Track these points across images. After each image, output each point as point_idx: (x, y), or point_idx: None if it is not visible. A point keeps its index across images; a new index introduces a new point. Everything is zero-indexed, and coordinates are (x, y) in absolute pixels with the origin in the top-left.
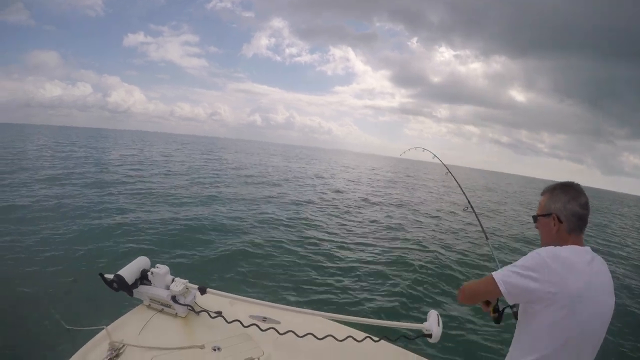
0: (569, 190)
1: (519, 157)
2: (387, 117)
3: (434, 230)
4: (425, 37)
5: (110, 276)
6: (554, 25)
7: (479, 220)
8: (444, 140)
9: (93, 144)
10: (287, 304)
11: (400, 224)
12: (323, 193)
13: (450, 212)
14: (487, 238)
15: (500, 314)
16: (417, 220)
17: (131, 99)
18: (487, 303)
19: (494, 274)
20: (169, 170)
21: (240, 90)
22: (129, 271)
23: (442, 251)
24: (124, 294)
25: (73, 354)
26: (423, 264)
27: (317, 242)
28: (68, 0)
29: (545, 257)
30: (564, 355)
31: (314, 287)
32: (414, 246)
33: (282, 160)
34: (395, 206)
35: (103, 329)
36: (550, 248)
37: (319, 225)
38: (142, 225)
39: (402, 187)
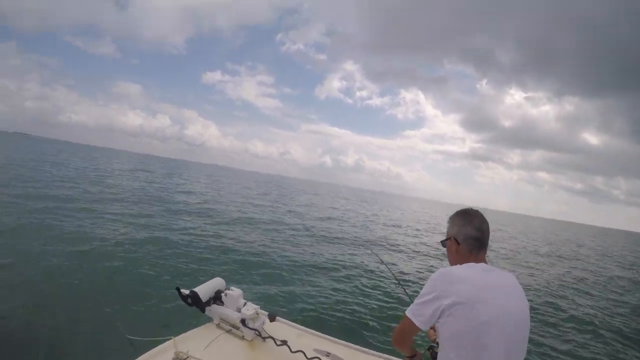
0: (464, 215)
1: (594, 205)
2: (458, 163)
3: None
4: (495, 79)
5: (186, 291)
6: (631, 62)
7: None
8: (516, 189)
9: (189, 173)
10: (353, 342)
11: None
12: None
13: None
14: (399, 284)
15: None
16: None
17: (207, 133)
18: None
19: (406, 311)
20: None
21: (312, 132)
22: (204, 289)
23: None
24: (195, 310)
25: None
26: None
27: (395, 290)
28: (153, 37)
29: (435, 277)
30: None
31: (381, 331)
32: None
33: (356, 204)
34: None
35: (171, 338)
36: (442, 269)
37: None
38: (224, 250)
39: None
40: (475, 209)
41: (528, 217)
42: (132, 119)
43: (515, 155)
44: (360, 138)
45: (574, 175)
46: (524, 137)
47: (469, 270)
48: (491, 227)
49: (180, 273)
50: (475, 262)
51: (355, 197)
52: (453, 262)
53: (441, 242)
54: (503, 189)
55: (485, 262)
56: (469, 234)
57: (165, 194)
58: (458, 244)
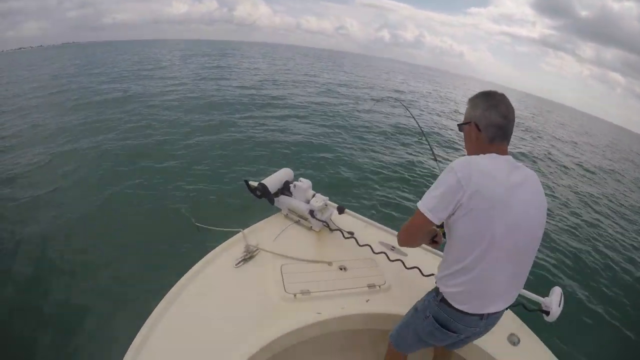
0: (489, 98)
1: None
2: (525, 48)
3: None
4: None
5: (254, 184)
6: None
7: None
8: (585, 85)
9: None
10: None
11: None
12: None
13: None
14: (436, 160)
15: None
16: None
17: (257, 13)
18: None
19: (418, 203)
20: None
21: (367, 5)
22: (272, 181)
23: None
24: (264, 202)
25: (206, 253)
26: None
27: None
28: None
29: (455, 167)
30: (484, 264)
31: None
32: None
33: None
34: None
35: (240, 231)
36: (464, 157)
37: None
38: (293, 138)
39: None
40: (501, 92)
41: (594, 118)
42: (177, 7)
43: (588, 49)
44: (420, 12)
45: None
46: (601, 31)
47: (493, 162)
48: (570, 126)
49: (248, 165)
50: (497, 154)
51: (424, 79)
52: (471, 151)
53: (458, 125)
54: (570, 82)
55: (507, 154)
56: (493, 121)
57: (224, 80)
58: (479, 130)
